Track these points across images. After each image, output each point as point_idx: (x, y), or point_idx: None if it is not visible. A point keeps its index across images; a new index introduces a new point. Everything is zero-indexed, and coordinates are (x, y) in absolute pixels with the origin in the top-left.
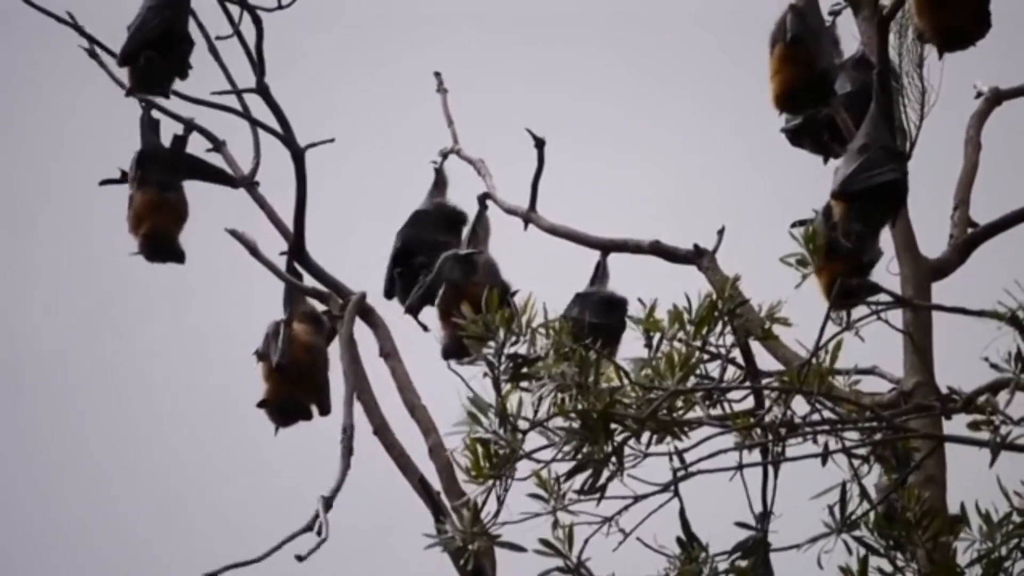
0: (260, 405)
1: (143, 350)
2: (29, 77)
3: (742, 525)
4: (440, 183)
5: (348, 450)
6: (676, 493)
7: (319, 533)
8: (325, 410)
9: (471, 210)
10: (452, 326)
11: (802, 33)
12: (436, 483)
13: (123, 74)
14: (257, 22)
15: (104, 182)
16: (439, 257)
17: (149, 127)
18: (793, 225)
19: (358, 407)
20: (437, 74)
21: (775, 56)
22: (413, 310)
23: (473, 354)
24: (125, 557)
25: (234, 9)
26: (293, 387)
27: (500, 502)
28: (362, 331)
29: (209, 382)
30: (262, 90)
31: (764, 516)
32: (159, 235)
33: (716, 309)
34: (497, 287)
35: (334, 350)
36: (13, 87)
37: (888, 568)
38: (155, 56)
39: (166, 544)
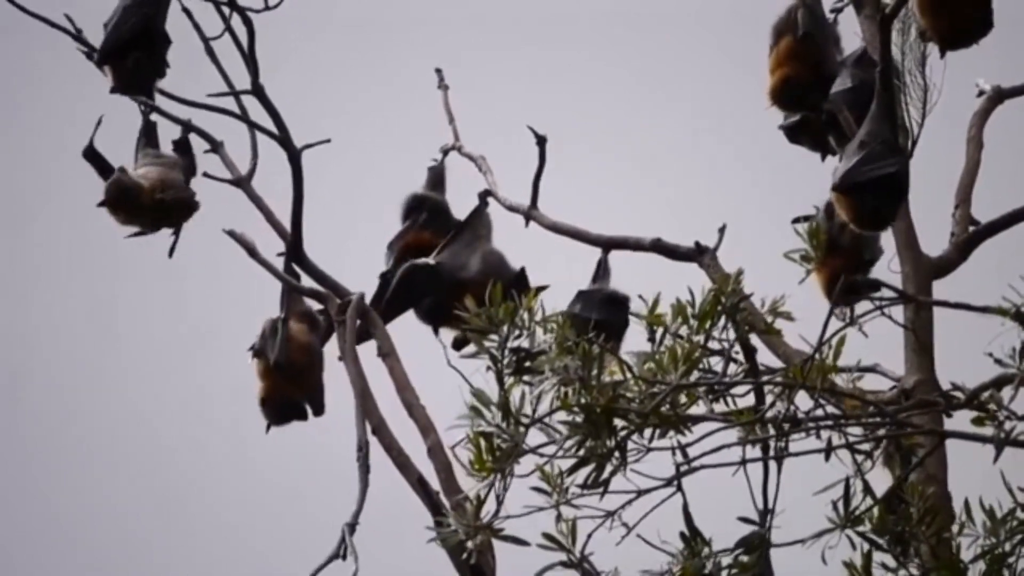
0: (262, 404)
1: (141, 350)
2: (29, 77)
3: (745, 520)
4: (435, 181)
5: (365, 468)
6: (679, 488)
7: (344, 558)
8: (319, 410)
9: (470, 209)
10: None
11: (814, 31)
12: (435, 483)
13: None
14: (248, 23)
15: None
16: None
17: (145, 133)
18: (795, 221)
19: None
20: (438, 70)
21: (781, 49)
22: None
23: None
24: (124, 559)
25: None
26: (289, 386)
27: (499, 499)
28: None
29: (207, 382)
30: (257, 91)
31: (764, 512)
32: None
33: (719, 303)
34: (503, 279)
35: (330, 350)
36: (13, 87)
37: (892, 564)
38: (142, 57)
39: (162, 548)
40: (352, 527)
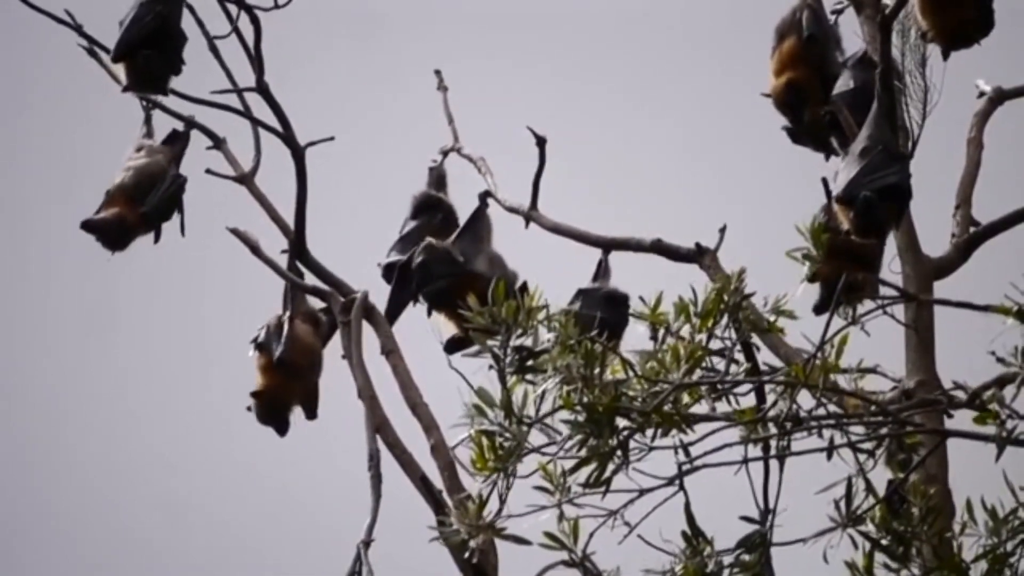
0: (254, 395)
1: (144, 349)
2: (29, 76)
3: (747, 519)
4: (439, 182)
5: (377, 479)
6: (681, 487)
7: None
8: (312, 415)
9: (471, 210)
10: (457, 319)
11: (818, 34)
12: (438, 481)
13: (119, 69)
14: (255, 21)
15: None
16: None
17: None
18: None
19: (359, 406)
20: (437, 72)
21: (785, 50)
22: (393, 317)
23: (476, 347)
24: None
25: (233, 9)
26: (286, 385)
27: (502, 498)
28: (363, 329)
29: (210, 383)
30: (262, 89)
31: (766, 512)
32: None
33: (722, 303)
34: (504, 279)
35: (332, 349)
36: (13, 86)
37: (894, 563)
38: (153, 55)
39: (173, 565)
40: (367, 544)
